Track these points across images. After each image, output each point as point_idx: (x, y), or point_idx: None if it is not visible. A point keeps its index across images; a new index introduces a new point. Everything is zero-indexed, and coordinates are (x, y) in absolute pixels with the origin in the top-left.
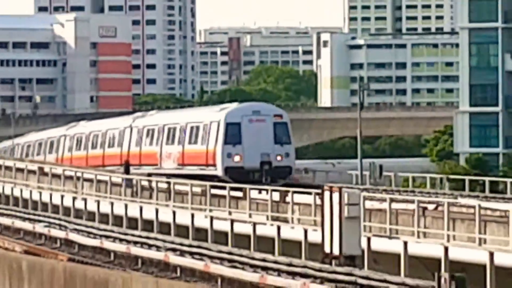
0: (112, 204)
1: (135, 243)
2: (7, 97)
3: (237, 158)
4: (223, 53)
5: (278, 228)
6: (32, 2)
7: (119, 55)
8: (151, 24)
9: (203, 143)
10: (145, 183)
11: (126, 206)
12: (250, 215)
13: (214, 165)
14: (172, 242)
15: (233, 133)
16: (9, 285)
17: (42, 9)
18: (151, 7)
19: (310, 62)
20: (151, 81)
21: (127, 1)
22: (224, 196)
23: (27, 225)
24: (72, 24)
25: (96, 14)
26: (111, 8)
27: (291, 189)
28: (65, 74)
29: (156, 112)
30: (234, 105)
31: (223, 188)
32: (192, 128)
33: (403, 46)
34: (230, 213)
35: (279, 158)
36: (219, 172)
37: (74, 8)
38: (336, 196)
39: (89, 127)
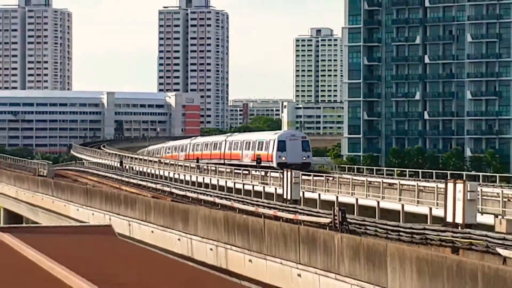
0: (190, 176)
1: (200, 193)
2: (145, 129)
3: (283, 158)
4: (240, 110)
5: (264, 187)
6: (156, 86)
7: (194, 110)
8: (208, 97)
9: (266, 150)
10: (205, 167)
11: (197, 177)
12: (251, 181)
13: (272, 161)
14: (217, 193)
15: (281, 146)
16: (144, 212)
17: (161, 90)
18: (208, 90)
19: (278, 115)
20: (208, 122)
21: (198, 86)
22: (240, 173)
23: (153, 185)
24: (174, 97)
25: (184, 92)
26: (191, 89)
27: (269, 170)
28: (170, 119)
29: (239, 133)
30: (281, 131)
31: (239, 169)
32: (259, 142)
33: (319, 108)
34: (242, 180)
35: (304, 158)
36: (274, 165)
37: (175, 90)
38: (290, 173)
39: (203, 139)
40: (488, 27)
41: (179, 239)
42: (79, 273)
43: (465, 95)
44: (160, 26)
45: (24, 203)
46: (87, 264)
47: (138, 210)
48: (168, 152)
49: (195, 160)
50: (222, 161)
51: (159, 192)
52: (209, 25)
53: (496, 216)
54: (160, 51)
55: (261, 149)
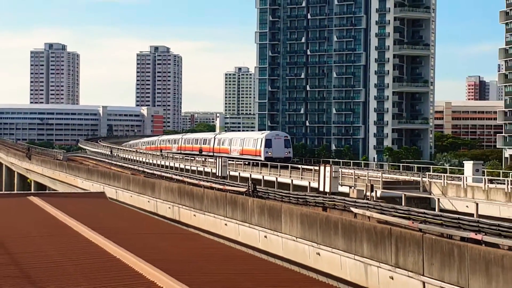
0: (156, 160)
1: (163, 172)
2: (127, 130)
3: (270, 153)
4: (189, 119)
5: (203, 168)
6: (134, 102)
7: (159, 118)
8: (168, 110)
9: (253, 146)
10: (170, 155)
11: (160, 161)
12: (196, 164)
13: (260, 156)
14: (174, 172)
15: (268, 143)
16: (126, 184)
17: (137, 105)
18: (168, 105)
19: (214, 122)
20: (168, 126)
21: (162, 102)
22: (188, 158)
23: (131, 166)
24: (146, 109)
25: (153, 106)
26: (157, 105)
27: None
28: (143, 124)
29: (225, 132)
30: (268, 131)
31: (194, 157)
32: (247, 140)
33: (240, 117)
34: (190, 163)
35: (286, 153)
36: (262, 158)
37: (147, 105)
38: (220, 159)
39: (193, 135)
40: (346, 68)
41: (148, 201)
42: (83, 223)
43: (332, 110)
44: (137, 64)
45: (47, 177)
46: (88, 217)
47: (122, 182)
48: (162, 144)
49: (160, 152)
50: (211, 154)
51: (136, 171)
52: (169, 64)
53: (350, 187)
54: (137, 79)
55: (249, 146)
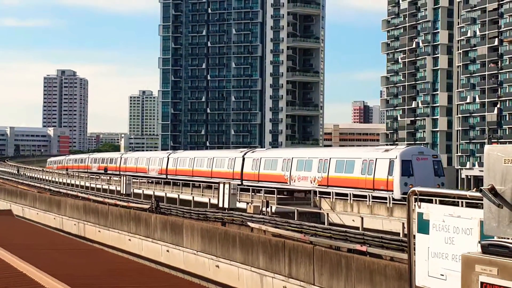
0: (63, 179)
1: (69, 190)
2: (33, 150)
3: (411, 186)
4: (94, 139)
5: (108, 186)
6: (41, 123)
7: (65, 139)
8: (74, 131)
9: (367, 173)
10: (71, 173)
11: (66, 180)
12: (101, 183)
13: (391, 190)
14: (79, 190)
15: (406, 168)
16: (32, 201)
17: (44, 125)
18: (75, 126)
19: (118, 142)
20: (74, 146)
21: (68, 123)
22: (93, 177)
23: (38, 185)
24: (52, 130)
25: (59, 127)
26: (64, 125)
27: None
28: (50, 144)
29: (261, 149)
30: (403, 147)
31: (93, 175)
32: (345, 162)
33: (144, 138)
34: (95, 182)
35: (438, 186)
36: (396, 195)
37: (53, 125)
38: (125, 178)
39: (188, 154)
40: (244, 92)
41: (54, 218)
42: None
43: (231, 132)
44: (45, 86)
45: None
46: None
47: (28, 200)
48: (125, 164)
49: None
50: (238, 181)
51: (42, 189)
52: (75, 87)
53: (247, 203)
54: (44, 101)
55: (355, 172)
